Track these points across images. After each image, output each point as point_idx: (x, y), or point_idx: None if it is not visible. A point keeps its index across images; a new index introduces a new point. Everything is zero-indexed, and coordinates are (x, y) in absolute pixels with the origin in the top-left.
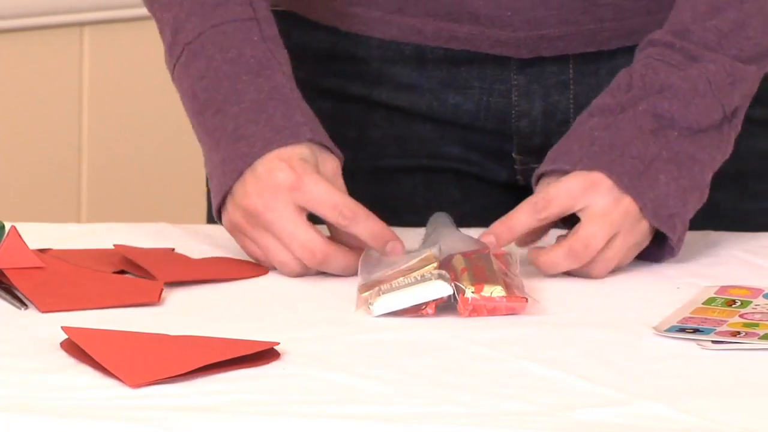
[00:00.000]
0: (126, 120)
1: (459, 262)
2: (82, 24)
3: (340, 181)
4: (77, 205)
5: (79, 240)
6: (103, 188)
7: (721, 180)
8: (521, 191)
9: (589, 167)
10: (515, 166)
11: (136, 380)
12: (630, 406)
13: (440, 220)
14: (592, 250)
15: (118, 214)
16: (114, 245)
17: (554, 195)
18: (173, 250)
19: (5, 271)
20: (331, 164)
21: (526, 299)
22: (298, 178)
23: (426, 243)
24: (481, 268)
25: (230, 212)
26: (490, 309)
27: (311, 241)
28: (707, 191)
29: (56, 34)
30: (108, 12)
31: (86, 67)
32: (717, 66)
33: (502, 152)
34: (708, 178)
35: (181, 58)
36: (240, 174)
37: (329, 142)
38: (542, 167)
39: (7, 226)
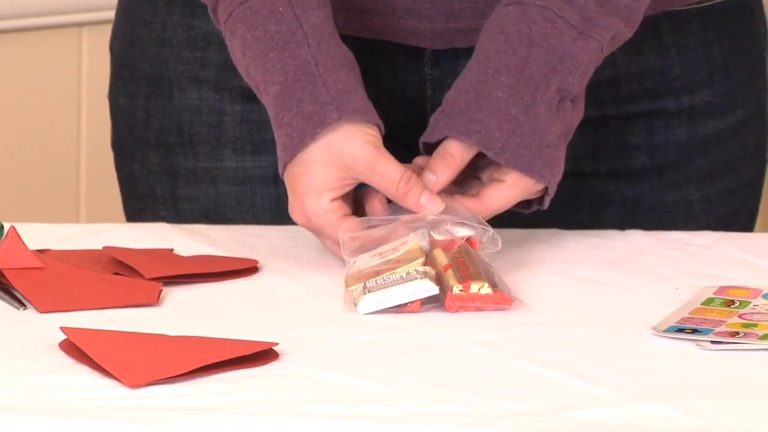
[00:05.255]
0: None
1: (441, 258)
2: (81, 24)
3: (380, 170)
4: (76, 205)
5: (78, 240)
6: (101, 189)
7: (640, 174)
8: None
9: (512, 163)
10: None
11: (135, 381)
12: (629, 407)
13: None
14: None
15: (117, 214)
16: (103, 247)
17: (494, 208)
18: (172, 250)
19: (4, 272)
20: (361, 152)
21: (512, 299)
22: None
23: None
24: (464, 263)
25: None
26: (477, 306)
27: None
28: None
29: (55, 35)
30: (107, 12)
31: (85, 68)
32: (609, 32)
33: (417, 143)
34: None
35: (226, 35)
36: (285, 165)
37: (360, 113)
38: (455, 131)
39: (6, 226)
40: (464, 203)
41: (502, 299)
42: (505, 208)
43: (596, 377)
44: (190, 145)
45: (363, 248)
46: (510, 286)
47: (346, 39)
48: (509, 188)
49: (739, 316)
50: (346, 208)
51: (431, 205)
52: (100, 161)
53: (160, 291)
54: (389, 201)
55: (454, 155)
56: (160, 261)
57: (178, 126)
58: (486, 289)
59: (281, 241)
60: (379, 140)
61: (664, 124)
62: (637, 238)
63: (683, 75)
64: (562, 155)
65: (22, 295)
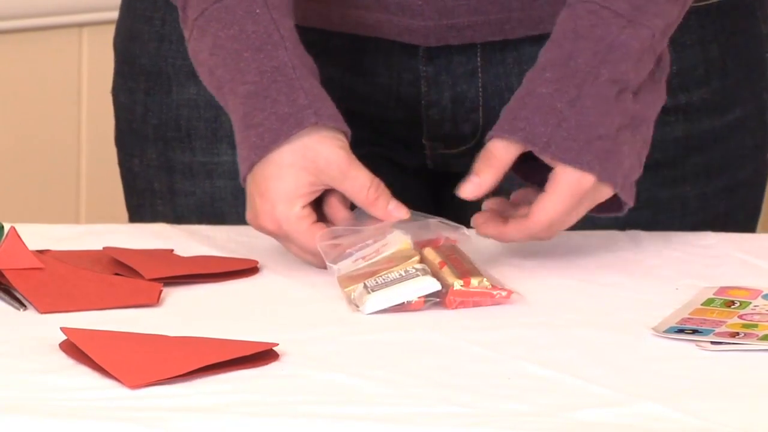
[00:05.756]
0: None
1: (433, 255)
2: (81, 25)
3: (352, 175)
4: (76, 206)
5: (78, 241)
6: (102, 189)
7: None
8: (431, 175)
9: (559, 157)
10: (425, 152)
11: (135, 381)
12: (629, 407)
13: None
14: (552, 233)
15: (117, 214)
16: (103, 247)
17: (544, 221)
18: (172, 251)
19: (4, 272)
20: (335, 157)
21: (511, 291)
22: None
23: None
24: (457, 260)
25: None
26: (476, 301)
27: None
28: (649, 142)
29: (56, 35)
30: (107, 13)
31: (85, 68)
32: (663, 18)
33: (412, 139)
34: (652, 131)
35: (193, 33)
36: (252, 165)
37: (334, 120)
38: (499, 130)
39: (7, 226)
40: (513, 228)
41: (501, 292)
42: (560, 219)
43: (596, 377)
44: (187, 139)
45: (343, 255)
46: (510, 286)
47: (341, 36)
48: (551, 195)
49: (740, 317)
50: (314, 215)
51: (398, 213)
52: (101, 161)
53: (160, 291)
54: (352, 208)
55: (495, 154)
56: (160, 261)
57: (175, 121)
58: (485, 284)
59: None
60: (348, 147)
61: (660, 121)
62: (637, 239)
63: (680, 73)
64: (624, 148)
65: (22, 296)
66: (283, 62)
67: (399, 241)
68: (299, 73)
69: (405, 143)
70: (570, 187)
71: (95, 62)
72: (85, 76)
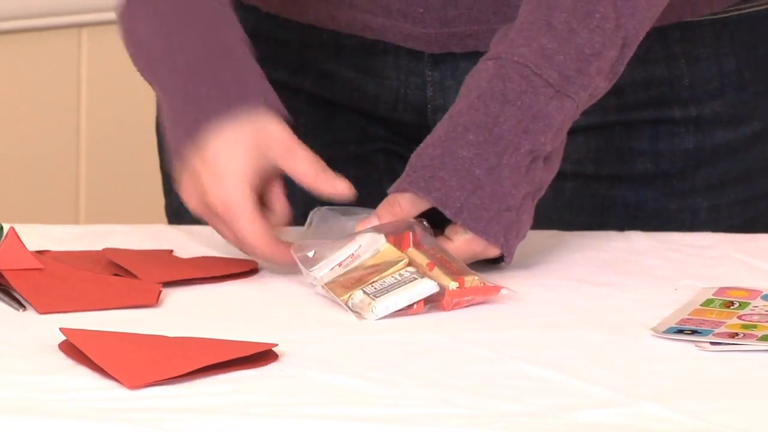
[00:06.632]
0: (124, 121)
1: (420, 258)
2: (80, 25)
3: (299, 153)
4: (75, 206)
5: (78, 242)
6: (101, 190)
7: (645, 179)
8: None
9: (470, 225)
10: None
11: (134, 381)
12: (628, 408)
13: (321, 214)
14: None
15: (116, 215)
16: (103, 249)
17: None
18: (172, 251)
19: (4, 273)
20: (284, 134)
21: (500, 287)
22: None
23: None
24: (444, 259)
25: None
26: (469, 300)
27: (257, 243)
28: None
29: (55, 36)
30: (106, 14)
31: (84, 69)
32: (587, 90)
33: (422, 140)
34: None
35: (129, 7)
36: (191, 136)
37: (280, 110)
38: (414, 186)
39: (6, 227)
40: None
41: (493, 289)
42: None
43: (596, 378)
44: None
45: (318, 262)
46: (502, 283)
47: (351, 37)
48: (458, 247)
49: (739, 317)
50: (257, 200)
51: (341, 186)
52: (100, 162)
53: (160, 292)
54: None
55: (402, 206)
56: (159, 264)
57: None
58: (477, 282)
59: None
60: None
61: (669, 132)
62: (636, 240)
63: (692, 85)
64: (525, 216)
65: (22, 296)
66: (231, 43)
67: (374, 241)
68: (247, 57)
69: (417, 142)
70: (476, 250)
71: (94, 63)
72: (84, 76)
